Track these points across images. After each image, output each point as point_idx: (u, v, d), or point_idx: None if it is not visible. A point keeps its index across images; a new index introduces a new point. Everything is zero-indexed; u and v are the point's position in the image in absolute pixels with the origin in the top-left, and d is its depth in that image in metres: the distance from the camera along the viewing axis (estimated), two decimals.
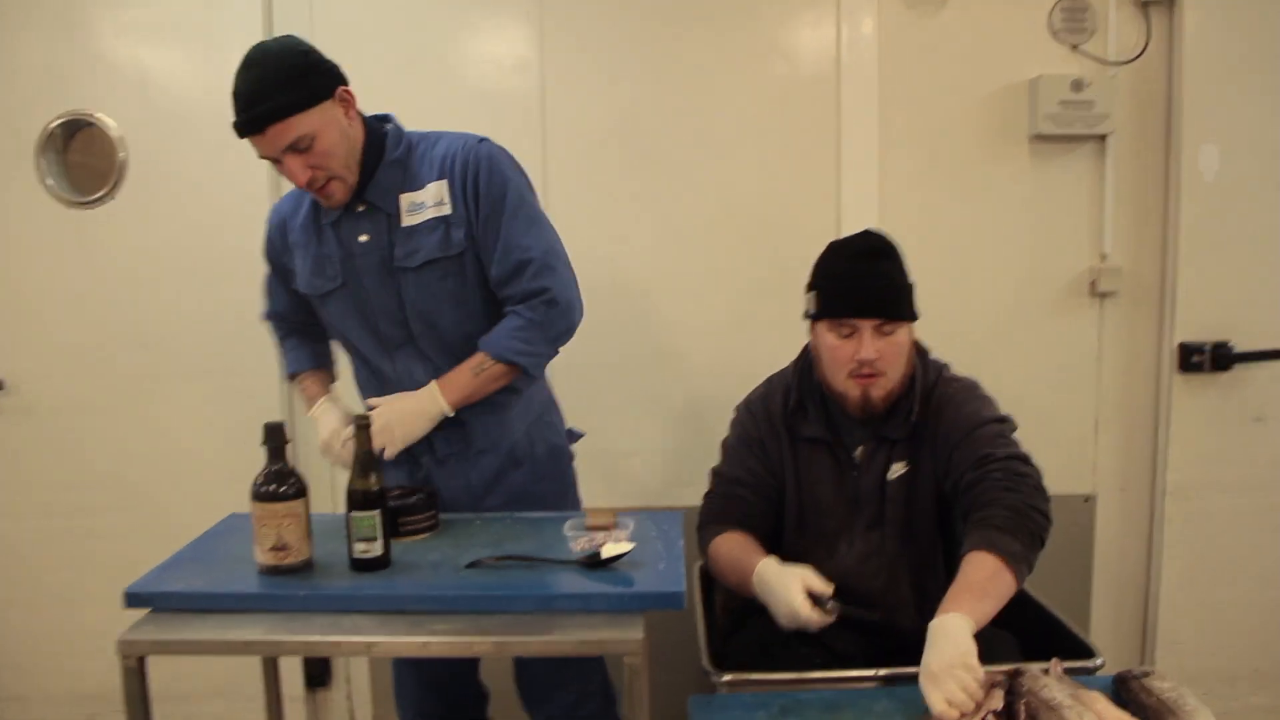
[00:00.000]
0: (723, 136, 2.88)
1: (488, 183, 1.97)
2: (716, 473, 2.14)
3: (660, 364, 2.90)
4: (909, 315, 1.95)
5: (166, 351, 2.90)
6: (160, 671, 1.57)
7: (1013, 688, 1.68)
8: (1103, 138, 2.88)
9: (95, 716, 3.04)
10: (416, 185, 1.98)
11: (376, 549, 1.66)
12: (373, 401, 1.99)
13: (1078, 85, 2.80)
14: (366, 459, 1.67)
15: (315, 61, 1.86)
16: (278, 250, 2.16)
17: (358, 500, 1.66)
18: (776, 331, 2.84)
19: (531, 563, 1.68)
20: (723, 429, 2.91)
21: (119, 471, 2.95)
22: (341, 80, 1.90)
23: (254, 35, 2.75)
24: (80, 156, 2.89)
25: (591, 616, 1.55)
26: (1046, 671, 1.72)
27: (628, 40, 2.86)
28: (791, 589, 1.77)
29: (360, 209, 2.00)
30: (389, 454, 1.93)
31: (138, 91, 2.82)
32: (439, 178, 1.97)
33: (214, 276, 2.87)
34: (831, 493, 2.04)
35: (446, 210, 1.97)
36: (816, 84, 2.88)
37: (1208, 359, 2.88)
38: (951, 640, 1.58)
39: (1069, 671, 1.76)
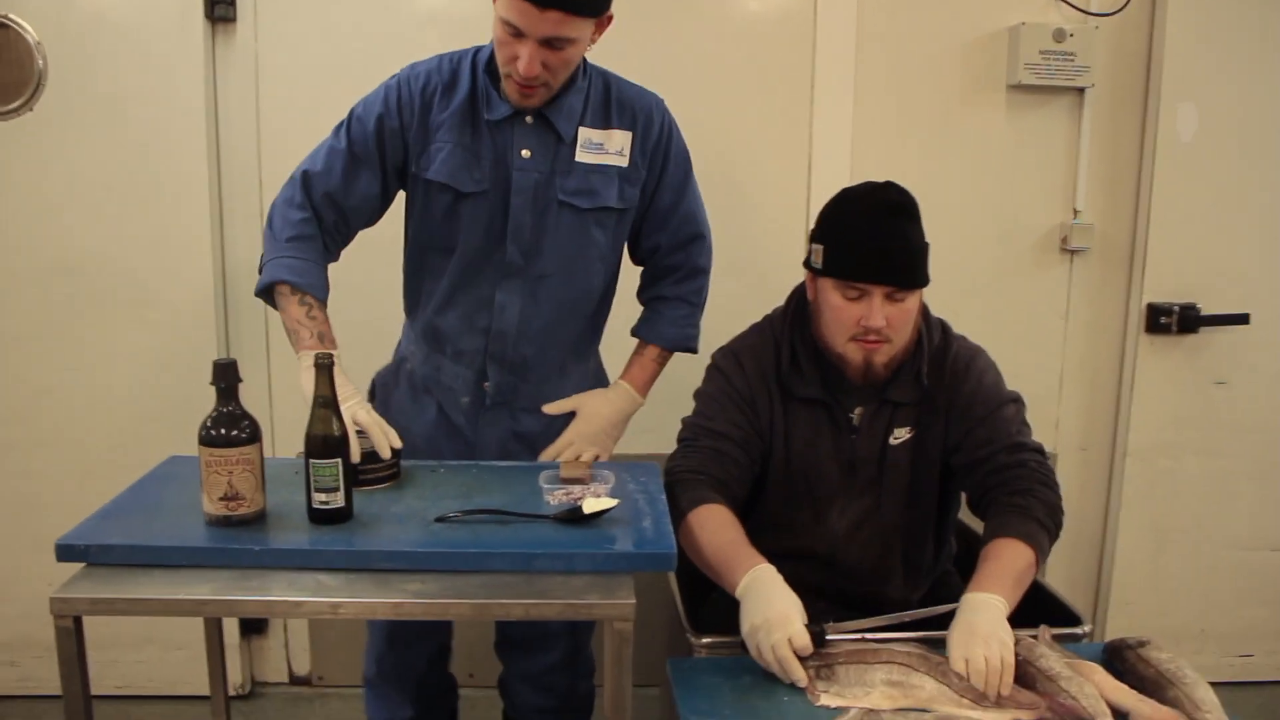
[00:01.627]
0: (692, 75, 2.74)
1: (677, 150, 1.98)
2: (695, 425, 1.99)
3: (616, 306, 2.75)
4: (923, 281, 1.84)
5: (89, 278, 2.69)
6: (88, 620, 1.41)
7: None
8: (1081, 91, 2.81)
9: (15, 664, 2.86)
10: (598, 123, 1.89)
11: (338, 500, 1.52)
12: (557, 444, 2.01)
13: (1059, 35, 2.72)
14: (325, 400, 1.52)
15: None
16: (406, 118, 1.85)
17: (318, 447, 1.51)
18: (739, 275, 2.78)
19: (506, 517, 1.55)
20: (677, 375, 2.83)
21: (36, 406, 2.74)
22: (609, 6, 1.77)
23: None
24: None
25: (574, 578, 1.43)
26: (1035, 639, 1.66)
27: None
28: (789, 604, 1.59)
29: (529, 121, 1.84)
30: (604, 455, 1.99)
31: (59, 2, 2.58)
32: (626, 128, 1.90)
33: (142, 197, 2.66)
34: (825, 456, 1.93)
35: (623, 163, 1.90)
36: (791, 20, 2.76)
37: (1175, 321, 2.85)
38: (996, 618, 1.59)
39: (1056, 639, 1.71)
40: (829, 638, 1.57)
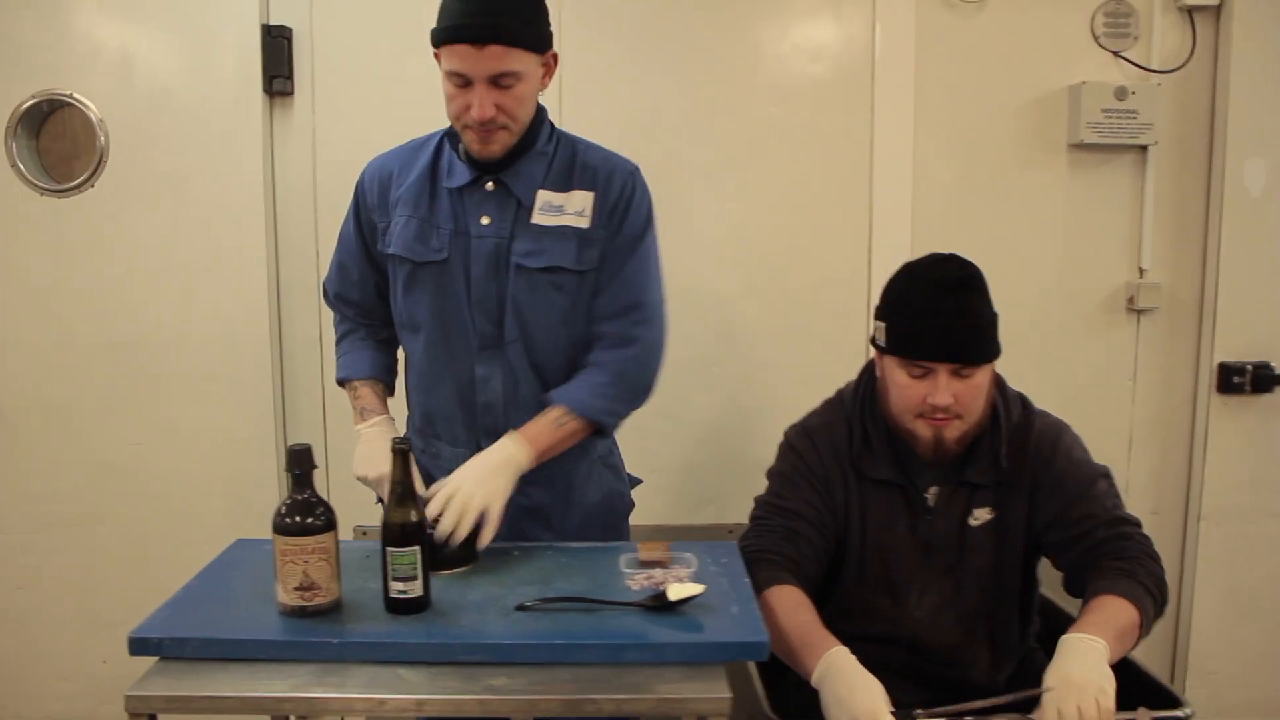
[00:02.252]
0: (750, 138, 2.73)
1: (635, 213, 1.86)
2: (768, 503, 1.94)
3: (677, 379, 2.70)
4: (992, 355, 1.79)
5: (149, 355, 2.69)
6: None
7: None
8: (1144, 148, 2.77)
9: None
10: (560, 186, 1.84)
11: (416, 589, 1.47)
12: (434, 487, 1.72)
13: (1121, 93, 2.68)
14: (404, 488, 1.48)
15: (545, 14, 1.76)
16: (372, 205, 1.91)
17: (395, 535, 1.47)
18: (805, 344, 2.75)
19: (589, 605, 1.50)
20: (743, 446, 2.78)
21: (92, 485, 2.73)
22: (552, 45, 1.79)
23: (247, 12, 2.56)
24: (55, 141, 2.67)
25: (666, 670, 1.37)
26: None
27: (649, 35, 2.70)
28: (875, 695, 1.52)
29: (489, 187, 1.82)
30: (485, 536, 1.67)
31: (120, 71, 2.60)
32: (588, 189, 1.84)
33: (202, 273, 2.66)
34: (901, 539, 1.87)
35: (585, 224, 1.82)
36: (850, 84, 2.74)
37: (1248, 380, 2.78)
38: (1095, 661, 1.53)
39: None
40: None
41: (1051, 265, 2.83)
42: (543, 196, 1.82)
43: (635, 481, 2.08)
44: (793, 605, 1.72)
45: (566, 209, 1.81)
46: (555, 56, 1.78)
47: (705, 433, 2.81)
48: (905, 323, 1.77)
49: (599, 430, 1.85)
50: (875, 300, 2.69)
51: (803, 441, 1.93)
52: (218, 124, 2.61)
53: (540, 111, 1.84)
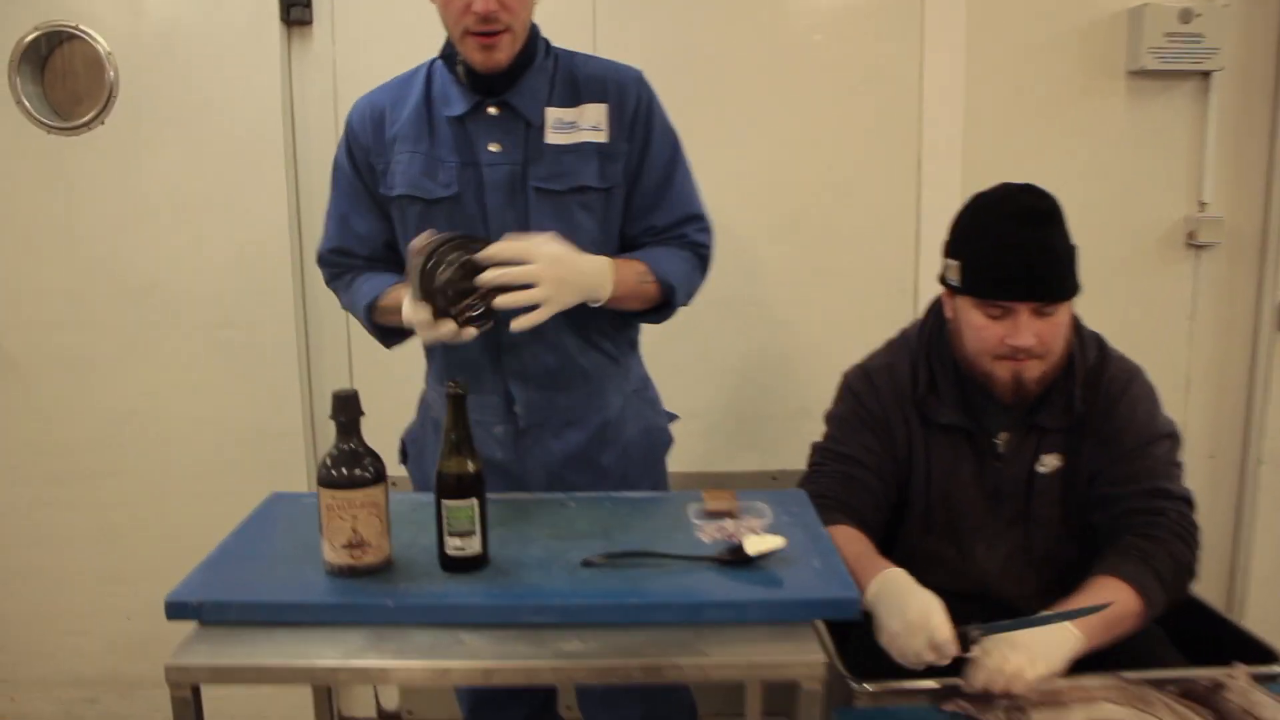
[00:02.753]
0: (790, 68, 2.58)
1: (661, 125, 1.77)
2: (825, 449, 1.84)
3: (713, 318, 2.59)
4: (1074, 290, 1.67)
5: (164, 300, 2.57)
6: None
7: (1213, 701, 1.46)
8: (1207, 75, 2.62)
9: (96, 701, 2.74)
10: (568, 101, 1.71)
11: (474, 545, 1.36)
12: (511, 239, 1.57)
13: (1186, 15, 2.53)
14: (459, 435, 1.37)
15: None
16: (367, 146, 1.76)
17: (451, 485, 1.35)
18: (848, 283, 2.62)
19: (660, 560, 1.39)
20: (784, 390, 2.67)
21: (108, 436, 2.62)
22: None
23: None
24: (61, 76, 2.52)
25: (749, 630, 1.27)
26: (1232, 677, 1.50)
27: None
28: (930, 603, 1.46)
29: (493, 111, 1.69)
30: (542, 315, 1.54)
31: (131, 7, 2.46)
32: (598, 100, 1.71)
33: (220, 214, 2.54)
34: (969, 486, 1.77)
35: (603, 138, 1.70)
36: (897, 8, 2.58)
37: None
38: (1056, 642, 1.46)
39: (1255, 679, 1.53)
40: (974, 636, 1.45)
41: (1107, 199, 2.68)
42: (553, 114, 1.70)
43: (672, 417, 1.97)
44: (846, 539, 1.65)
45: (580, 124, 1.70)
46: None
47: (743, 376, 2.69)
48: (982, 260, 1.65)
49: (665, 305, 1.75)
50: (925, 237, 2.63)
51: (862, 383, 1.82)
52: (233, 56, 2.47)
53: (533, 27, 1.73)
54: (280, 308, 2.56)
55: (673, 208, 1.77)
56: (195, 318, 2.57)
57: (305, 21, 2.51)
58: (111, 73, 2.46)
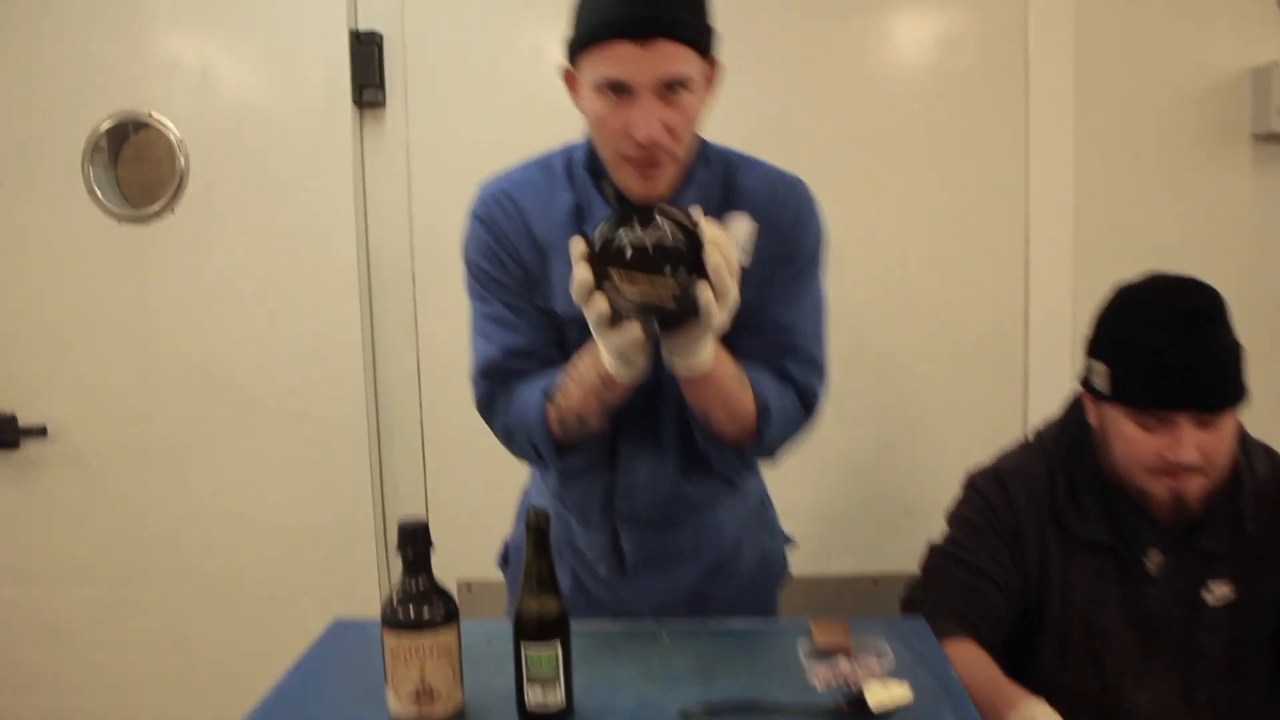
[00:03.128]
0: (888, 138, 2.43)
1: (806, 241, 1.49)
2: (946, 553, 1.65)
3: None
4: (1240, 395, 1.48)
5: (235, 392, 2.47)
6: None
7: None
8: None
9: None
10: (718, 215, 1.41)
11: (557, 695, 1.21)
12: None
13: None
14: (542, 571, 1.22)
15: (711, 6, 1.37)
16: (514, 240, 1.46)
17: (532, 627, 1.20)
18: (952, 368, 2.44)
19: (769, 714, 1.22)
20: (885, 486, 2.48)
21: (178, 534, 2.51)
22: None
23: (334, 18, 2.34)
24: (132, 165, 2.47)
25: None
26: None
27: (777, 28, 2.42)
28: None
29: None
30: (715, 316, 1.19)
31: (199, 87, 2.40)
32: (752, 217, 1.45)
33: (289, 300, 2.44)
34: (1114, 613, 1.56)
35: (745, 261, 1.41)
36: (1001, 73, 2.42)
37: None
38: None
39: None
40: None
41: (1236, 273, 2.33)
42: None
43: (788, 540, 1.79)
44: (973, 659, 1.46)
45: None
46: (718, 66, 1.40)
47: (839, 471, 2.50)
48: (1135, 366, 1.47)
49: (754, 446, 1.43)
50: (1034, 320, 2.43)
51: (993, 488, 1.63)
52: (304, 139, 2.39)
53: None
54: (351, 401, 2.45)
55: (785, 335, 1.47)
56: (266, 411, 2.47)
57: (378, 104, 2.42)
58: (182, 160, 2.39)
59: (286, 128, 2.39)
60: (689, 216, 1.16)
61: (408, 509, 2.50)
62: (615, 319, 1.19)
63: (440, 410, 2.49)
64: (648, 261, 1.14)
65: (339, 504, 2.47)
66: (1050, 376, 2.39)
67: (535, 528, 1.21)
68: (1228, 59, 2.42)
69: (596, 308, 1.17)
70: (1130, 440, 1.47)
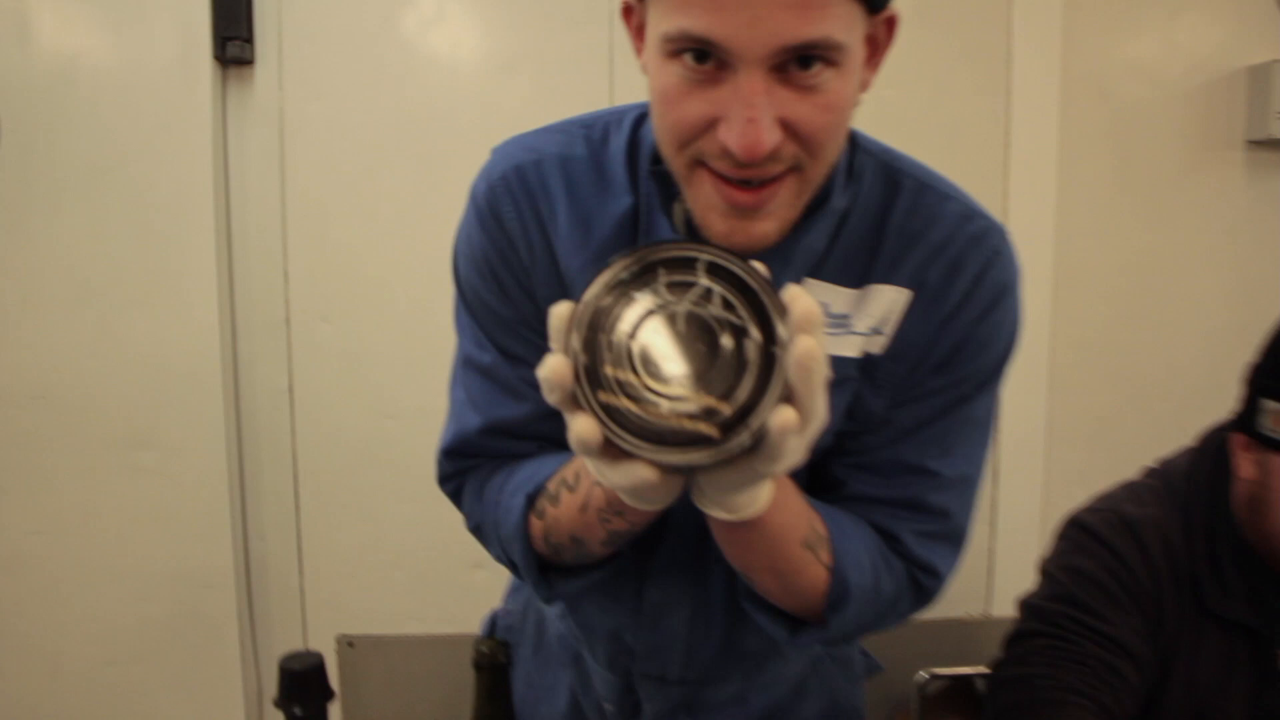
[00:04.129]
0: (857, 127, 2.13)
1: (986, 342, 0.93)
2: (1071, 616, 1.25)
3: None
4: None
5: (59, 411, 2.09)
6: None
7: None
8: None
9: None
10: (850, 273, 0.91)
11: None
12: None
13: None
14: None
15: None
16: (526, 261, 0.95)
17: None
18: None
19: None
20: None
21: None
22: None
23: None
24: None
25: None
26: None
27: None
28: None
29: None
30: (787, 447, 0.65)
31: (14, 36, 2.01)
32: (899, 281, 0.92)
33: (133, 304, 2.10)
34: (1237, 706, 1.27)
35: (876, 348, 0.92)
36: (982, 63, 2.21)
37: None
38: None
39: None
40: None
41: (1226, 285, 2.34)
42: (811, 293, 0.82)
43: (874, 669, 1.30)
44: None
45: (854, 321, 0.93)
46: (892, 21, 0.85)
47: None
48: None
49: (796, 621, 0.94)
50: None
51: (1125, 540, 1.29)
52: (151, 102, 2.03)
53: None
54: (207, 423, 2.10)
55: (915, 485, 0.96)
56: (99, 435, 2.09)
57: (245, 60, 2.07)
58: None
59: (128, 88, 2.03)
60: (758, 277, 0.66)
61: (276, 553, 2.17)
62: (615, 450, 0.65)
63: (316, 435, 2.17)
64: (674, 362, 0.65)
65: (191, 548, 2.13)
66: (1025, 387, 2.25)
67: (489, 665, 0.84)
68: (1223, 57, 2.27)
69: (580, 434, 0.65)
70: None
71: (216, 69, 2.05)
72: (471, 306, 0.97)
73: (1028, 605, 1.28)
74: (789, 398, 0.63)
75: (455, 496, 1.03)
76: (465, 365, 0.99)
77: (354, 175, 2.07)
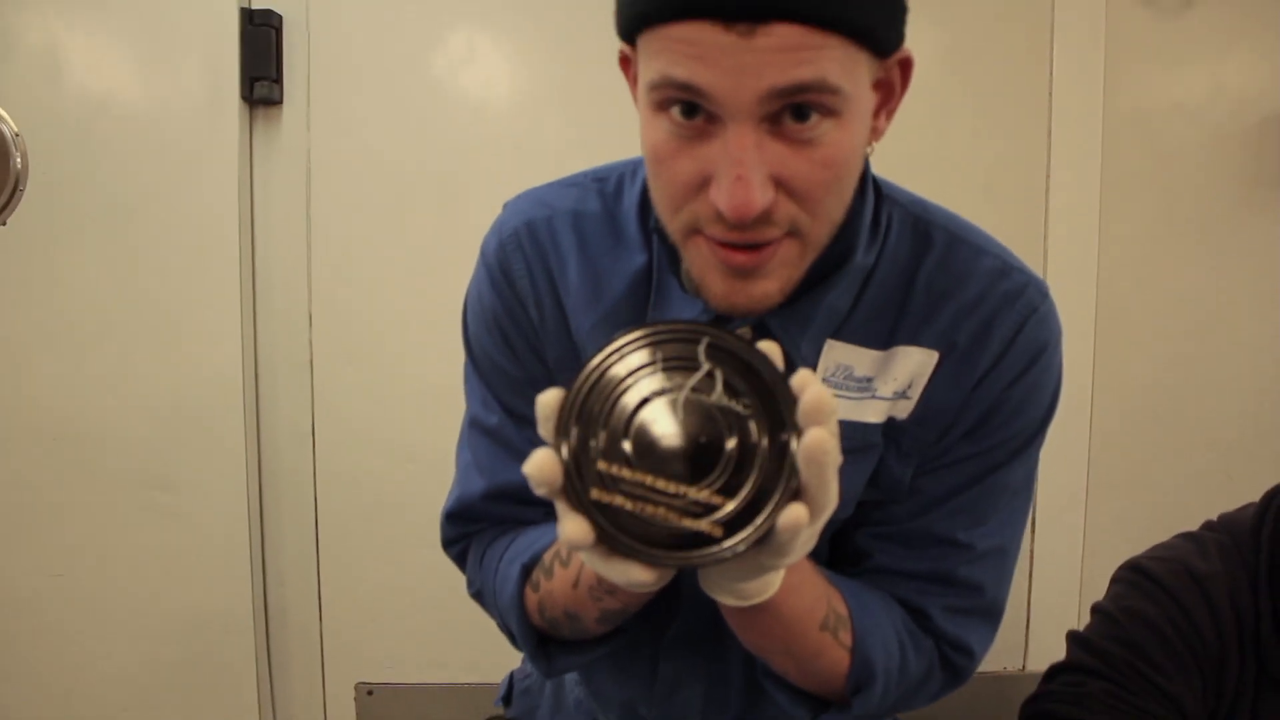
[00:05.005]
0: (894, 168, 2.06)
1: (1021, 407, 0.88)
2: (1127, 662, 1.16)
3: None
4: None
5: (80, 450, 2.02)
6: None
7: None
8: None
9: None
10: (873, 333, 0.87)
11: None
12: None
13: None
14: None
15: None
16: (535, 322, 0.92)
17: None
18: None
19: None
20: None
21: (8, 624, 2.05)
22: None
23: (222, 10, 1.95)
24: None
25: None
26: None
27: None
28: None
29: (739, 328, 0.85)
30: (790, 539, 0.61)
31: (44, 71, 1.95)
32: (926, 342, 0.87)
33: (155, 343, 2.01)
34: None
35: (903, 413, 0.88)
36: (1020, 101, 2.13)
37: None
38: None
39: None
40: None
41: (1273, 335, 2.23)
42: (834, 354, 0.87)
43: None
44: None
45: (878, 386, 0.87)
46: (906, 64, 0.82)
47: None
48: None
49: (818, 712, 0.88)
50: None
51: (1192, 595, 1.21)
52: (177, 141, 1.97)
53: (862, 180, 0.89)
54: (228, 464, 2.02)
55: (948, 559, 0.90)
56: (118, 475, 2.02)
57: (273, 101, 2.01)
58: (18, 159, 1.91)
59: (155, 127, 1.96)
60: (766, 362, 0.60)
61: (295, 598, 2.12)
62: (608, 543, 0.60)
63: (338, 478, 2.11)
64: (672, 456, 0.59)
65: (209, 591, 2.05)
66: (1066, 435, 2.09)
67: None
68: (1268, 96, 2.17)
69: (570, 535, 0.60)
70: None
71: (244, 109, 2.00)
72: (480, 365, 0.95)
73: (1080, 639, 1.20)
74: (797, 492, 0.58)
75: (459, 560, 1.01)
76: (471, 427, 0.97)
77: (381, 217, 2.02)
